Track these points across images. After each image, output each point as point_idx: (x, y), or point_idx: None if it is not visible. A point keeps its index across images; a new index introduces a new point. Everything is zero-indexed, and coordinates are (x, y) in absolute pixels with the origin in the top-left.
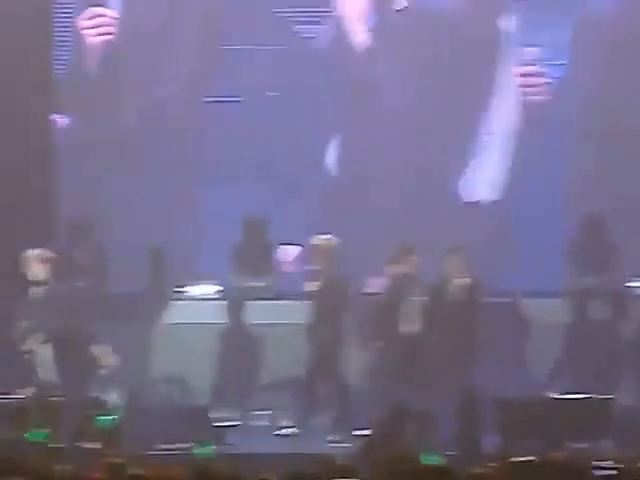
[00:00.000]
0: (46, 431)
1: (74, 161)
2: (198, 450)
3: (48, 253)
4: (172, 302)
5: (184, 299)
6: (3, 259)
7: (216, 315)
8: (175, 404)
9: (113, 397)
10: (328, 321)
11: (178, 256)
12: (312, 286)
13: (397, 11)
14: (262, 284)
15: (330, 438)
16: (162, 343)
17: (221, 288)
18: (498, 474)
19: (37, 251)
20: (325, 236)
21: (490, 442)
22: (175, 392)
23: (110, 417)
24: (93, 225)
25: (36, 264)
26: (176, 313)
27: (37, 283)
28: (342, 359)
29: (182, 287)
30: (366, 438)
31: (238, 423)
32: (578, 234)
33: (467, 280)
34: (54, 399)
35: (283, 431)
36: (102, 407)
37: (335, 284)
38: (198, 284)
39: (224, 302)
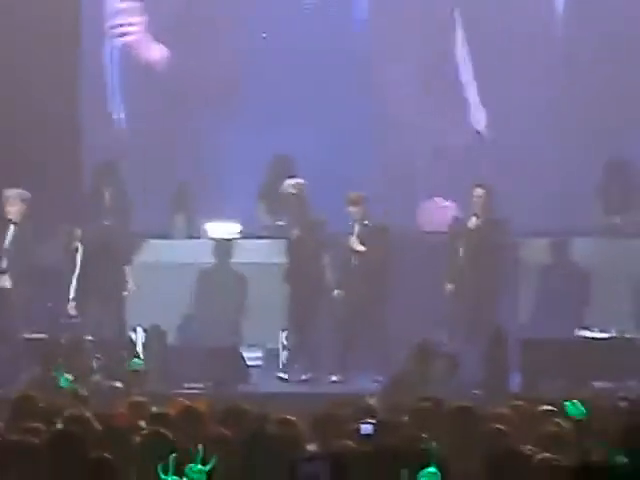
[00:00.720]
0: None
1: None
2: None
3: (27, 193)
4: (196, 240)
5: (208, 238)
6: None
7: (240, 255)
8: (203, 344)
9: (140, 337)
10: (307, 266)
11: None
12: (289, 233)
13: None
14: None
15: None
16: (187, 282)
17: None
18: (520, 415)
19: (16, 191)
20: (294, 180)
21: (516, 382)
22: (202, 331)
23: (136, 358)
24: (118, 166)
25: (14, 204)
26: (200, 252)
27: (14, 223)
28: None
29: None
30: (391, 378)
31: (260, 363)
32: (603, 175)
33: (493, 217)
34: (86, 338)
35: (303, 377)
36: (129, 347)
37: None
38: (221, 223)
39: (249, 241)
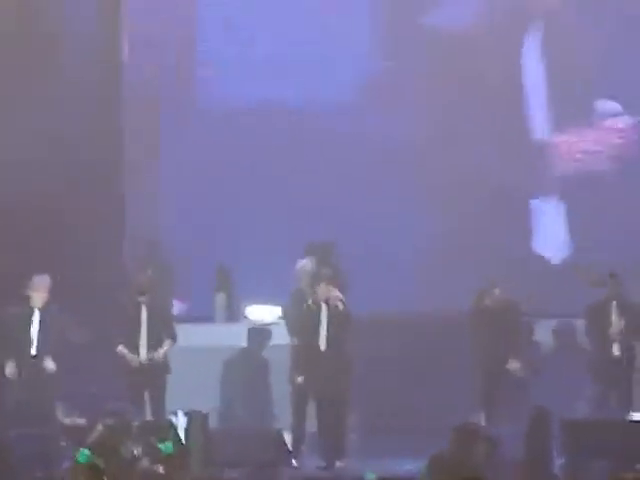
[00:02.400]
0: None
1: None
2: None
3: (48, 280)
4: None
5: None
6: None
7: (281, 337)
8: (247, 426)
9: (181, 421)
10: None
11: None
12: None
13: None
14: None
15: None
16: (231, 366)
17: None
18: None
19: (42, 276)
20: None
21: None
22: (246, 414)
23: (175, 441)
24: (159, 244)
25: (39, 290)
26: (241, 335)
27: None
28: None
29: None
30: (432, 460)
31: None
32: None
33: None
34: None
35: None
36: (171, 431)
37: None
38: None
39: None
